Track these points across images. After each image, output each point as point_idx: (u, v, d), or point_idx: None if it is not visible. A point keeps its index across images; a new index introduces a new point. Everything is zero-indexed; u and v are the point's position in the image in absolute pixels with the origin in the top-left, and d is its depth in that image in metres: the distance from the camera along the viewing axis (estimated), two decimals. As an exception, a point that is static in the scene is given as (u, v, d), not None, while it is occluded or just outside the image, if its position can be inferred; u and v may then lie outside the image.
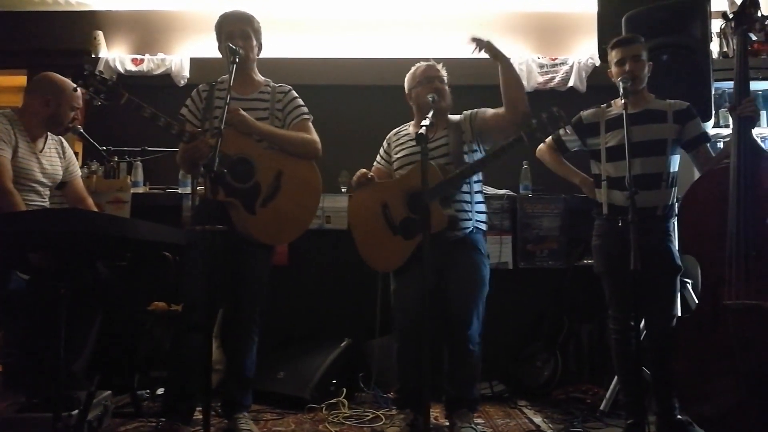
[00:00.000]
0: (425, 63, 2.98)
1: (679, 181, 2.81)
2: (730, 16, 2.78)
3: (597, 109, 2.90)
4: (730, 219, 2.47)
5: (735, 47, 2.72)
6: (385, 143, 3.12)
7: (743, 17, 2.69)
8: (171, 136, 2.59)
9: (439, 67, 2.97)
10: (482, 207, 2.93)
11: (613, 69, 2.79)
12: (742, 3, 2.71)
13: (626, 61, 2.73)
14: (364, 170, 2.96)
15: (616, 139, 2.75)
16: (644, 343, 2.74)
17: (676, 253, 2.74)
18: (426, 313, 2.22)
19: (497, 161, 2.78)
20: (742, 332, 2.38)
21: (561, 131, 2.82)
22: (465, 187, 2.83)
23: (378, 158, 3.11)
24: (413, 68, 2.99)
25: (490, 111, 2.87)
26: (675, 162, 2.77)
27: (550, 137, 2.93)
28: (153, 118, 2.54)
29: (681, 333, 2.60)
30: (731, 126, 3.33)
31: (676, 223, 2.78)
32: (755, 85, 3.69)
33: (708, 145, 2.78)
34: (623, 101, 2.60)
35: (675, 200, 2.77)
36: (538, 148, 3.06)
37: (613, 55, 2.79)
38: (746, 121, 2.58)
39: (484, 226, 2.91)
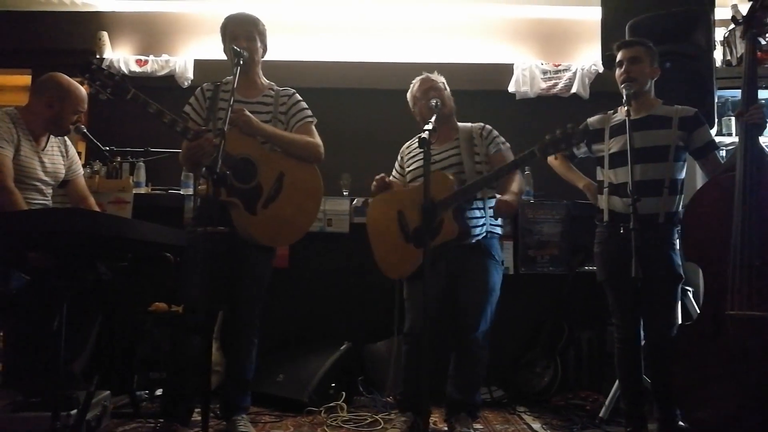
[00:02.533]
0: (419, 78, 3.01)
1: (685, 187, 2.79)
2: (740, 20, 2.74)
3: (603, 115, 2.89)
4: (735, 227, 2.44)
5: (744, 51, 2.67)
6: (399, 157, 3.14)
7: (753, 21, 2.65)
8: (175, 134, 2.59)
9: (434, 75, 3.00)
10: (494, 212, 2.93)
11: (616, 71, 2.79)
12: (751, 6, 2.66)
13: (623, 63, 2.74)
14: (383, 174, 2.99)
15: (618, 146, 2.74)
16: (645, 350, 2.73)
17: (678, 261, 2.72)
18: (427, 319, 2.22)
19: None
20: (743, 342, 2.36)
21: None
22: (478, 194, 2.83)
23: (393, 172, 3.14)
24: (410, 87, 3.03)
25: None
26: (679, 169, 2.73)
27: None
28: (158, 115, 2.53)
29: (682, 341, 2.57)
30: (737, 133, 3.32)
31: (678, 230, 2.76)
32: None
33: (716, 152, 2.75)
34: (626, 108, 2.60)
35: (679, 207, 2.73)
36: None
37: (617, 57, 2.79)
38: (753, 128, 2.54)
39: (499, 230, 2.92)
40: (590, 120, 2.92)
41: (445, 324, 2.79)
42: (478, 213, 2.83)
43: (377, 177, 2.98)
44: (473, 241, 2.78)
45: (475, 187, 2.74)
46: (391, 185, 2.98)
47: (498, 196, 2.80)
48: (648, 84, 2.77)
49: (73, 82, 2.85)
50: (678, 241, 2.76)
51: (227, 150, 2.48)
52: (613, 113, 2.87)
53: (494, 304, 2.82)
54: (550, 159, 3.06)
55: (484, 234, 2.82)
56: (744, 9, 3.59)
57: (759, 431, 2.34)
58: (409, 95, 3.04)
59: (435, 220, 2.68)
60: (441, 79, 2.99)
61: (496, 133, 2.96)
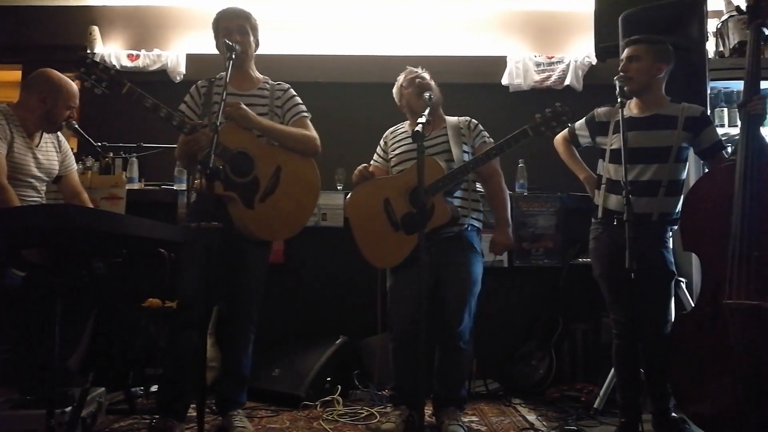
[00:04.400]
0: (403, 72, 3.04)
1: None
2: (744, 9, 2.72)
3: (610, 108, 2.85)
4: (734, 217, 2.43)
5: (748, 42, 2.62)
6: (381, 141, 3.13)
7: (758, 11, 2.62)
8: (171, 128, 2.58)
9: (418, 69, 3.02)
10: (479, 205, 2.95)
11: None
12: None
13: (623, 60, 2.73)
14: (365, 165, 2.97)
15: (620, 142, 2.73)
16: (641, 346, 2.74)
17: (670, 259, 2.71)
18: (422, 312, 2.22)
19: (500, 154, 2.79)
20: (741, 332, 2.37)
21: (576, 123, 2.90)
22: (463, 185, 2.85)
23: (375, 156, 3.12)
24: (396, 82, 3.05)
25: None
26: (680, 169, 2.71)
27: (566, 129, 2.96)
28: (154, 109, 2.52)
29: (680, 331, 2.58)
30: (731, 123, 3.31)
31: (674, 229, 2.75)
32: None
33: (723, 152, 2.72)
34: (619, 101, 2.57)
35: (677, 209, 2.70)
36: (556, 137, 3.04)
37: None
38: (755, 119, 2.53)
39: (479, 224, 2.93)
40: (597, 111, 2.90)
41: (429, 318, 2.79)
42: (464, 204, 2.85)
43: (359, 167, 2.96)
44: (456, 230, 2.79)
45: (464, 170, 2.74)
46: (373, 175, 2.96)
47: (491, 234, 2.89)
48: (650, 82, 2.71)
49: (65, 78, 2.84)
50: (671, 239, 2.76)
51: (224, 144, 2.49)
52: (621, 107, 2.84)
53: (477, 297, 2.82)
54: (557, 144, 3.05)
55: (466, 226, 2.84)
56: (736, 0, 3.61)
57: (756, 422, 2.34)
58: (395, 89, 3.05)
59: (426, 206, 2.67)
60: (425, 72, 3.01)
61: (482, 127, 2.99)
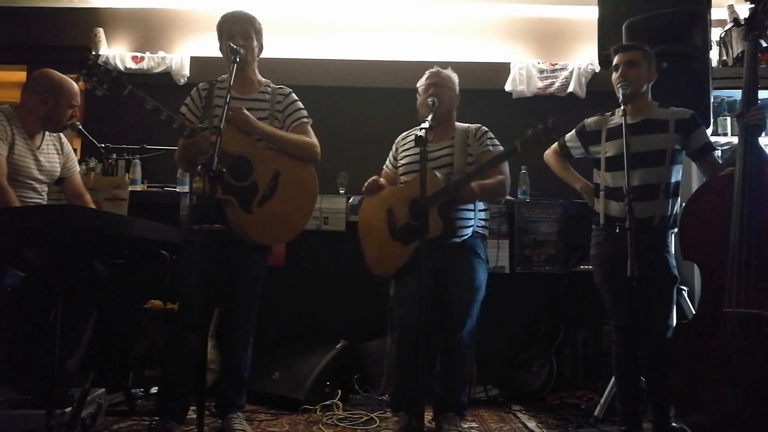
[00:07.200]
0: (429, 71, 2.98)
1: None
2: (741, 21, 2.75)
3: (600, 117, 2.89)
4: (733, 227, 2.44)
5: (745, 53, 2.66)
6: (393, 147, 3.13)
7: (755, 23, 2.65)
8: (171, 131, 2.58)
9: (444, 71, 2.97)
10: (483, 214, 2.94)
11: (613, 74, 2.79)
12: (753, 9, 2.67)
13: (620, 66, 2.73)
14: (375, 177, 3.00)
15: (615, 149, 2.74)
16: (641, 351, 2.73)
17: (673, 263, 2.72)
18: (423, 317, 2.22)
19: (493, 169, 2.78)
20: (741, 341, 2.37)
21: (567, 136, 2.91)
22: None
23: (387, 162, 3.13)
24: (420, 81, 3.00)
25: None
26: (676, 172, 2.73)
27: (556, 143, 2.97)
28: (155, 111, 2.53)
29: (679, 340, 2.58)
30: (734, 133, 3.32)
31: (674, 233, 2.75)
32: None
33: (713, 153, 2.76)
34: (622, 108, 2.60)
35: (675, 210, 2.73)
36: (546, 152, 3.08)
37: (613, 61, 2.79)
38: (753, 130, 2.55)
39: (484, 231, 2.93)
40: (587, 121, 2.93)
41: (432, 323, 2.78)
42: (468, 213, 2.84)
43: (369, 180, 2.98)
44: (460, 240, 2.79)
45: (458, 185, 2.73)
46: (383, 187, 2.98)
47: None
48: (644, 87, 2.76)
49: (65, 77, 2.84)
50: (672, 243, 2.76)
51: (224, 147, 2.48)
52: (611, 115, 2.87)
53: (480, 302, 2.82)
54: (548, 158, 3.07)
55: (471, 233, 2.83)
56: (740, 9, 3.62)
57: (756, 430, 2.34)
58: (418, 85, 3.00)
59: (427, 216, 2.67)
60: (448, 76, 2.96)
61: (490, 134, 2.95)
